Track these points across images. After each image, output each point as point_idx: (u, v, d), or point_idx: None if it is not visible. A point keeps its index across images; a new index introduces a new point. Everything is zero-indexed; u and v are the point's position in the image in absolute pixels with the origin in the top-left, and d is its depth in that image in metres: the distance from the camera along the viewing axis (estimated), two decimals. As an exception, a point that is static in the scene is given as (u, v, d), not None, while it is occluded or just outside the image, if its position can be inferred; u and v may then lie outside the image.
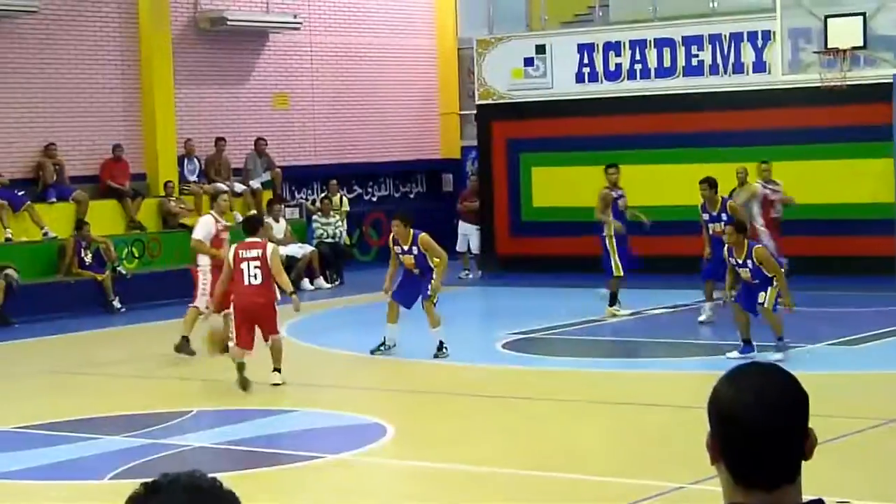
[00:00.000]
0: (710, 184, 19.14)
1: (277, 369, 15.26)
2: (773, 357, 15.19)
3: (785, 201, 21.84)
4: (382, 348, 17.11)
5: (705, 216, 19.10)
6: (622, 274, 20.11)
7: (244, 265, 15.09)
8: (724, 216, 18.79)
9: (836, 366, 15.70)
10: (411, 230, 16.89)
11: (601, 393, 14.79)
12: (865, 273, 22.52)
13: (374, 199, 30.67)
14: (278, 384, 15.19)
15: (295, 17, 28.50)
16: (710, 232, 18.97)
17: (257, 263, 15.04)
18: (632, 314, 20.24)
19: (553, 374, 16.11)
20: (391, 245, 17.09)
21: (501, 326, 19.63)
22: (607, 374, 16.16)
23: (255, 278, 15.02)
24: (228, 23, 27.22)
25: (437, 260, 16.89)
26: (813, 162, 23.91)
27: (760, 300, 15.86)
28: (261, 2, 28.25)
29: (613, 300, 20.29)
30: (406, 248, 16.86)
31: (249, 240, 15.42)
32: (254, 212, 21.77)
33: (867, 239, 23.28)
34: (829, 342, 17.28)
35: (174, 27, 26.77)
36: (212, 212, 18.57)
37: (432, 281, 16.76)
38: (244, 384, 14.87)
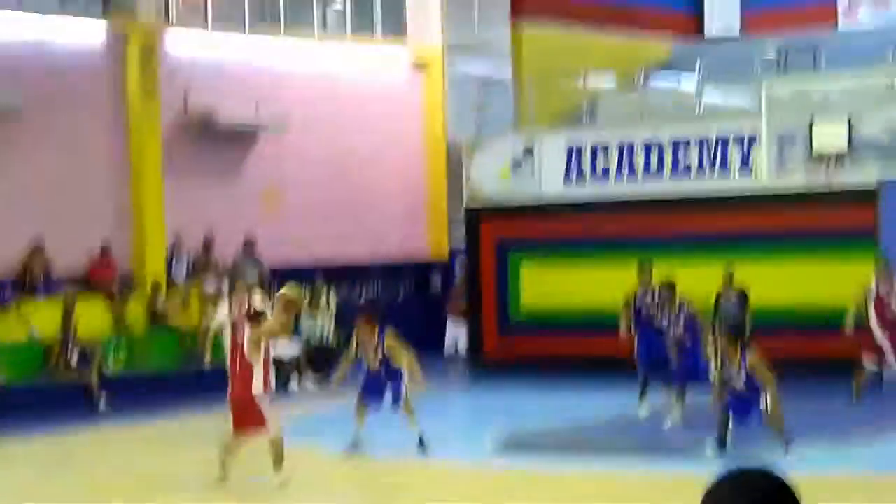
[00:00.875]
0: (670, 287, 19.24)
1: (275, 467, 15.15)
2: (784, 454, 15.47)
3: None
4: (353, 448, 17.06)
5: (664, 322, 19.19)
6: (637, 368, 20.19)
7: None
8: (681, 318, 18.92)
9: (826, 468, 15.61)
10: (377, 329, 17.02)
11: (593, 494, 14.70)
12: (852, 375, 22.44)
13: (363, 298, 30.63)
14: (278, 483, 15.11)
15: (285, 116, 28.66)
16: (672, 335, 19.06)
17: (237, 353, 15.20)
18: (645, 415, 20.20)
19: (543, 477, 16.01)
20: (354, 344, 17.14)
21: (490, 428, 19.53)
22: (598, 474, 16.05)
23: (236, 366, 15.14)
24: (219, 122, 27.37)
25: (406, 360, 16.98)
26: (799, 265, 23.98)
27: (762, 406, 15.83)
28: (251, 101, 28.41)
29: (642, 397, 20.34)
30: (371, 346, 16.95)
31: None
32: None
33: (855, 341, 23.25)
34: (819, 444, 17.20)
35: (164, 126, 26.91)
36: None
37: (413, 383, 16.83)
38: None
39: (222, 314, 18.81)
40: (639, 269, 20.64)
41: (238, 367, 15.03)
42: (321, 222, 29.87)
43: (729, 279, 22.34)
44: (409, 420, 16.92)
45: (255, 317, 15.25)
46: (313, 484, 15.70)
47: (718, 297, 22.15)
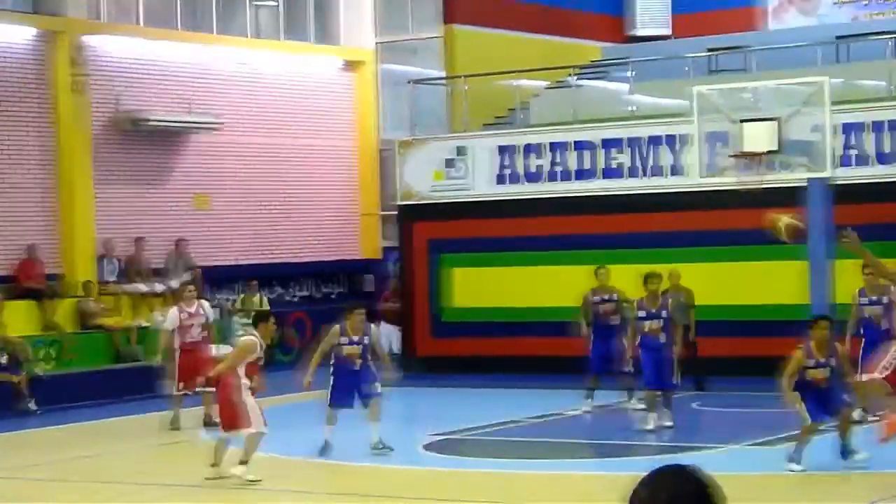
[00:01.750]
0: (660, 278, 18.86)
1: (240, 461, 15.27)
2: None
3: None
4: (325, 452, 16.83)
5: (641, 313, 18.48)
6: (591, 371, 20.21)
7: None
8: (663, 313, 18.44)
9: (755, 467, 15.76)
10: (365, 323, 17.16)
11: (524, 494, 14.76)
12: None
13: (295, 299, 30.58)
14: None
15: (216, 117, 28.53)
16: (647, 330, 18.40)
17: None
18: (585, 411, 20.27)
19: (475, 476, 16.05)
20: (337, 338, 16.86)
21: (423, 427, 19.56)
22: (529, 475, 16.12)
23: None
24: (150, 122, 27.20)
25: (382, 352, 17.71)
26: (730, 263, 24.18)
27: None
28: (182, 102, 28.26)
29: (588, 394, 20.32)
30: (356, 338, 16.85)
31: None
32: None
33: (784, 340, 23.42)
34: (749, 443, 17.36)
35: (94, 126, 26.71)
36: (181, 304, 20.05)
37: (388, 373, 17.17)
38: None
39: (173, 315, 19.35)
40: (596, 270, 20.68)
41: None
42: (253, 223, 29.76)
43: (677, 278, 22.33)
44: (374, 413, 16.85)
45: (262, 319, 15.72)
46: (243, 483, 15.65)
47: (665, 294, 21.89)
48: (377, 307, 27.67)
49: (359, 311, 17.15)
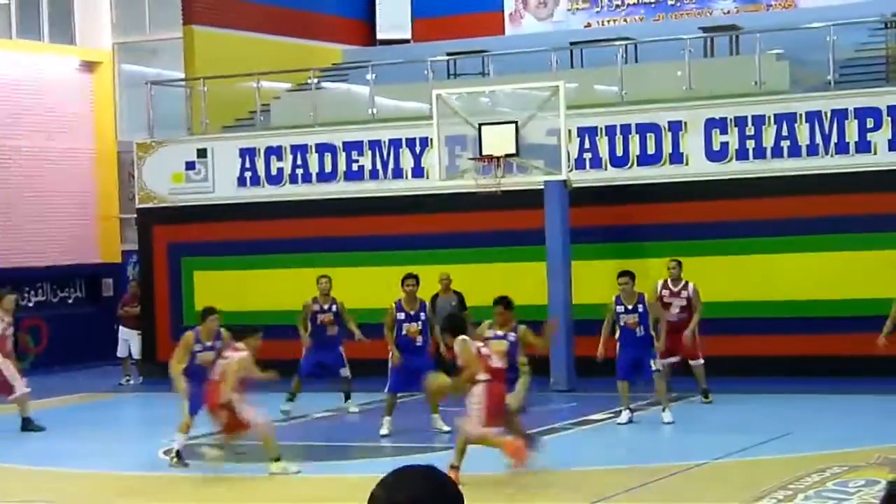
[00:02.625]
0: (416, 280, 18.85)
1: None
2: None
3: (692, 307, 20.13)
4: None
5: (400, 315, 18.50)
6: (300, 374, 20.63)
7: None
8: (422, 315, 18.51)
9: (498, 466, 15.97)
10: None
11: (256, 497, 14.71)
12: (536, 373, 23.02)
13: (31, 304, 29.82)
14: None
15: (-54, 117, 27.67)
16: (405, 332, 18.41)
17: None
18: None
19: (221, 480, 15.92)
20: (193, 344, 17.02)
21: (163, 433, 19.27)
22: (265, 478, 16.05)
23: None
24: None
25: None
26: (472, 265, 24.49)
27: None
28: None
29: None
30: (210, 344, 16.96)
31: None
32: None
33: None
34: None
35: None
36: None
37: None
38: None
39: None
40: (317, 279, 20.77)
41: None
42: (-14, 226, 28.94)
43: (447, 283, 22.44)
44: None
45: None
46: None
47: (435, 298, 21.94)
48: (117, 312, 27.21)
49: (213, 317, 16.82)
